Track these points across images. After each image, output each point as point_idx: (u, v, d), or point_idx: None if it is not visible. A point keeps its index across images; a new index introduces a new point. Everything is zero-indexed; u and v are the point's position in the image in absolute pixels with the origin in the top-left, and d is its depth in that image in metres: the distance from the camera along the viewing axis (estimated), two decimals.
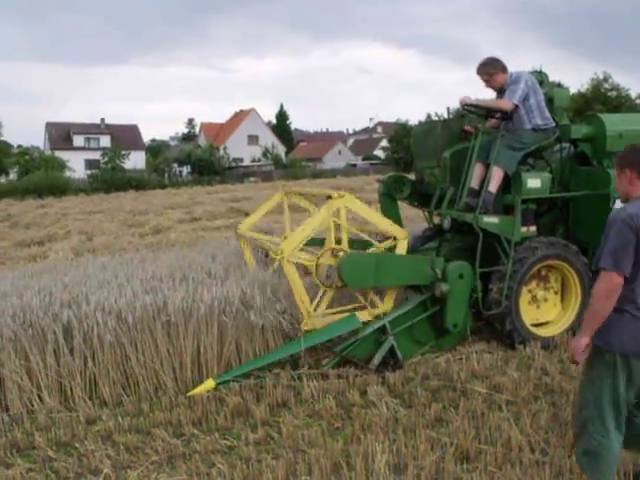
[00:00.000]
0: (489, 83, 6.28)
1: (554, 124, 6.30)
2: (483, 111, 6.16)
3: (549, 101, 6.58)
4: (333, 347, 5.60)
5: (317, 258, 5.69)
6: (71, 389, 5.08)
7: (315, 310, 5.59)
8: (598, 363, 3.37)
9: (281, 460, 3.90)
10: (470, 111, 6.23)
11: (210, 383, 5.07)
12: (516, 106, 6.06)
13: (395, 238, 5.93)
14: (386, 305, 5.89)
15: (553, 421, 4.39)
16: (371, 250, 5.92)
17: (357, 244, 6.47)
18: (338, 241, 5.86)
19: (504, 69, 6.22)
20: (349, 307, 5.87)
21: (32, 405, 4.98)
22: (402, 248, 5.94)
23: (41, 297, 5.38)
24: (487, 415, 4.51)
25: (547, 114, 6.25)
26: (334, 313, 5.71)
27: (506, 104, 6.04)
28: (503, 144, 6.09)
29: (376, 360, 5.43)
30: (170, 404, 4.91)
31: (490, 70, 6.20)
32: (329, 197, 5.72)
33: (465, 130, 6.49)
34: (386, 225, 5.99)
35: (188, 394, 5.03)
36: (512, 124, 6.25)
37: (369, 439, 4.14)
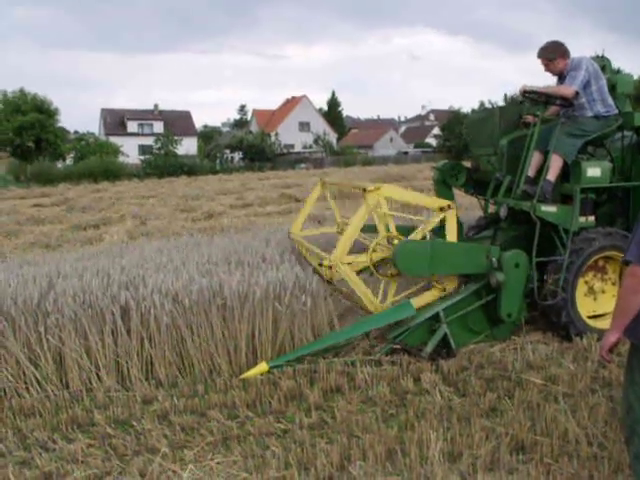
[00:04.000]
0: (548, 67, 6.16)
1: (617, 111, 6.14)
2: (543, 98, 6.01)
3: (612, 88, 6.39)
4: (386, 334, 5.60)
5: (369, 254, 5.69)
6: (128, 369, 5.18)
7: (382, 301, 5.62)
8: (637, 361, 3.24)
9: (335, 445, 3.91)
10: (530, 98, 6.08)
11: (263, 366, 5.12)
12: (577, 92, 5.90)
13: (442, 209, 5.82)
14: (452, 284, 5.90)
15: (611, 415, 4.28)
16: (420, 228, 5.85)
17: (405, 230, 6.40)
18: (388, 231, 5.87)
19: (565, 54, 6.08)
20: (414, 289, 5.89)
21: (91, 383, 5.09)
22: (452, 218, 5.84)
23: (99, 279, 5.49)
24: (543, 406, 4.44)
25: (610, 101, 6.09)
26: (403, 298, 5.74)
27: (567, 90, 5.89)
28: (563, 131, 5.97)
29: (429, 348, 5.40)
30: (225, 386, 4.96)
31: (550, 55, 6.08)
32: (364, 190, 5.65)
33: (525, 121, 6.36)
34: (428, 201, 5.96)
35: (241, 376, 5.09)
36: (573, 111, 6.11)
37: (423, 426, 4.13)
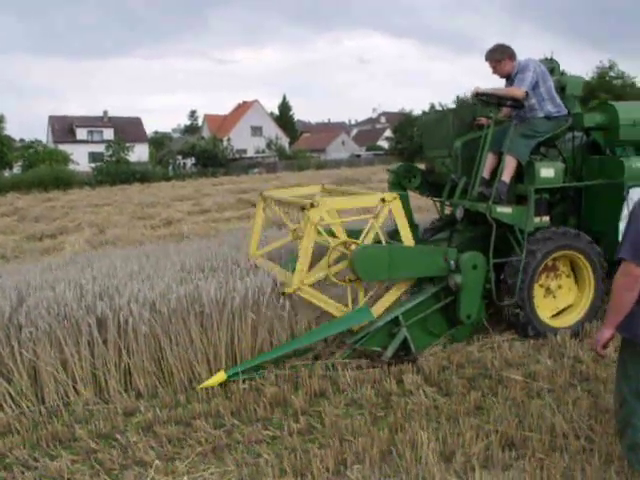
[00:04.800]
0: (496, 70, 6.23)
1: (566, 111, 6.23)
2: (495, 100, 6.06)
3: (561, 89, 6.52)
4: (345, 339, 5.59)
5: (334, 245, 5.57)
6: (106, 381, 5.07)
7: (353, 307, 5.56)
8: (629, 355, 3.32)
9: (328, 449, 3.88)
10: (482, 100, 6.13)
11: (221, 375, 5.03)
12: (527, 93, 5.98)
13: (383, 200, 5.63)
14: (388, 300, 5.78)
15: (594, 408, 4.36)
16: (368, 226, 5.71)
17: (358, 234, 6.39)
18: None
19: (512, 56, 6.16)
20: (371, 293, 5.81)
21: (68, 397, 4.97)
22: (397, 209, 5.68)
23: (72, 289, 5.37)
24: (527, 403, 4.51)
25: (559, 101, 6.19)
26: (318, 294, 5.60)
27: (517, 91, 5.96)
28: (516, 133, 6.04)
29: (389, 352, 5.38)
30: (207, 395, 4.90)
31: (498, 56, 6.16)
32: (302, 209, 5.51)
33: (479, 123, 6.42)
34: (370, 199, 5.86)
35: (199, 386, 5.01)
36: (524, 113, 6.19)
37: (413, 427, 4.14)
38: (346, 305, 5.56)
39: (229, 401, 4.75)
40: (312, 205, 5.41)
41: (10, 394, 4.87)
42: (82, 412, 4.75)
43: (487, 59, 6.23)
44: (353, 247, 5.52)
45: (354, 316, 5.51)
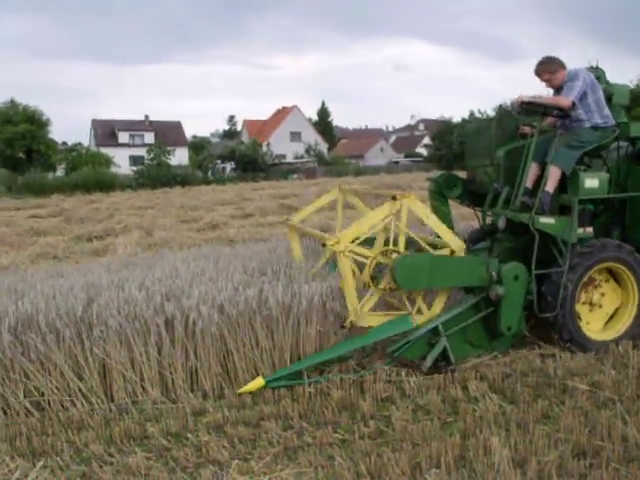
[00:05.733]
0: (551, 82, 6.14)
1: (614, 122, 6.13)
2: (540, 109, 5.96)
3: (608, 98, 6.38)
4: (384, 348, 5.58)
5: (373, 256, 5.55)
6: (172, 381, 5.17)
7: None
8: None
9: (402, 454, 3.92)
10: (527, 109, 6.02)
11: (260, 381, 5.07)
12: (574, 103, 5.90)
13: (452, 252, 5.64)
14: (433, 311, 5.71)
15: None
16: (391, 233, 5.60)
17: (413, 247, 6.40)
18: (394, 242, 5.68)
19: (563, 66, 6.08)
20: (394, 313, 5.70)
21: (136, 395, 5.08)
22: (413, 205, 5.57)
23: (141, 290, 5.48)
24: (596, 412, 4.48)
25: (607, 112, 6.08)
26: (381, 315, 5.61)
27: (564, 101, 5.88)
28: (561, 143, 5.96)
29: (428, 362, 5.36)
30: (274, 397, 4.96)
31: (551, 68, 6.07)
32: (394, 197, 5.52)
33: (522, 132, 6.38)
34: (446, 234, 5.71)
35: (238, 391, 5.07)
36: (570, 122, 6.11)
37: (484, 434, 4.14)
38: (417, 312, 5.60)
39: (297, 403, 4.81)
40: (403, 196, 5.47)
41: (81, 390, 5.00)
42: (151, 410, 4.84)
43: (538, 73, 6.15)
44: (394, 255, 5.51)
45: (394, 324, 5.52)
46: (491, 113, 43.66)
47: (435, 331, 5.51)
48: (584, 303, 6.03)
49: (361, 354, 5.63)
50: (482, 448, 3.95)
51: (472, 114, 52.20)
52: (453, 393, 4.92)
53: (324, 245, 5.41)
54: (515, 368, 5.39)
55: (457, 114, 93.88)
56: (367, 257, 5.53)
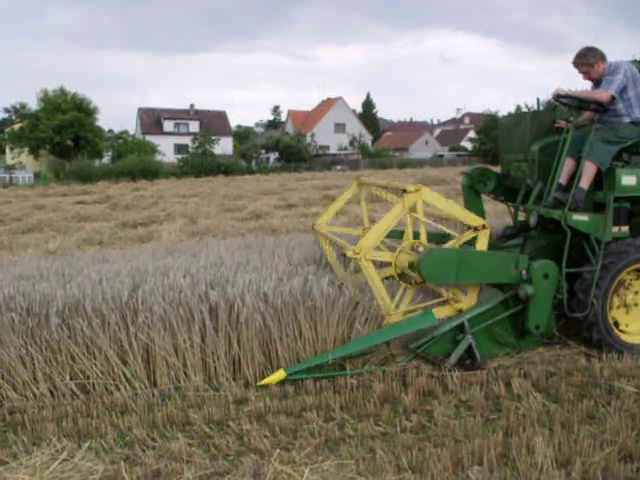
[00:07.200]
0: (589, 75, 5.97)
1: None
2: (577, 102, 5.81)
3: None
4: (408, 344, 5.52)
5: (395, 255, 5.51)
6: (215, 368, 5.19)
7: (397, 307, 5.46)
8: None
9: (444, 449, 3.87)
10: (563, 103, 5.88)
11: (281, 373, 5.05)
12: (613, 98, 5.72)
13: (476, 229, 5.52)
14: (469, 301, 5.59)
15: None
16: (450, 243, 5.58)
17: (436, 237, 6.29)
18: (416, 236, 5.65)
19: (603, 58, 5.88)
20: (431, 302, 5.64)
21: (179, 382, 5.12)
22: (483, 239, 5.53)
23: (185, 277, 5.52)
24: None
25: None
26: (417, 309, 5.56)
27: (603, 95, 5.70)
28: (597, 138, 5.74)
29: (452, 359, 5.28)
30: (315, 388, 4.94)
31: (591, 60, 5.87)
32: (404, 191, 5.43)
33: (558, 127, 6.16)
34: (464, 216, 5.60)
35: (259, 383, 5.07)
36: (608, 117, 5.92)
37: (528, 432, 4.07)
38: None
39: (338, 395, 4.79)
40: (415, 190, 5.39)
41: (125, 375, 5.06)
42: (194, 397, 4.87)
43: (576, 64, 5.98)
44: (421, 249, 5.43)
45: (418, 320, 5.42)
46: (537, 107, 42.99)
47: (460, 328, 5.42)
48: (618, 307, 5.86)
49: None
50: (525, 447, 3.87)
51: (518, 108, 51.44)
52: (496, 390, 4.84)
53: (344, 255, 5.39)
54: (559, 367, 5.28)
55: (503, 108, 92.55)
56: (389, 258, 5.54)
